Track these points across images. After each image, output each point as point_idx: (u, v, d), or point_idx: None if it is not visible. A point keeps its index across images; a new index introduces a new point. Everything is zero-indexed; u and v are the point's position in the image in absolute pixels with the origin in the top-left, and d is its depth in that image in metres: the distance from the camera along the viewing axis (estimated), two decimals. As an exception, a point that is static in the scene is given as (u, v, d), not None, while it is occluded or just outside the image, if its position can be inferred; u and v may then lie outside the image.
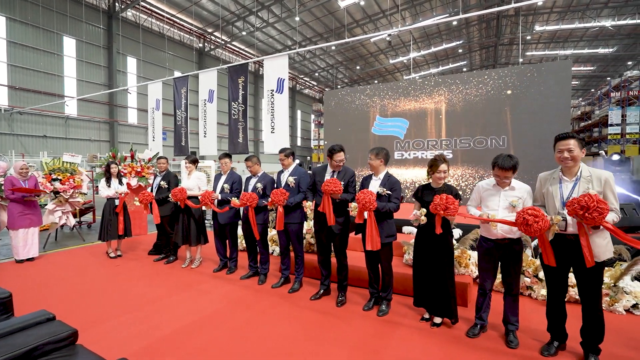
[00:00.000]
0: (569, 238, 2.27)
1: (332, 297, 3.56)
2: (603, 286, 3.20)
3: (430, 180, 2.92)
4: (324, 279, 3.61)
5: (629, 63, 25.36)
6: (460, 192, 6.55)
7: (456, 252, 3.62)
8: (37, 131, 16.47)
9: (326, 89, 34.08)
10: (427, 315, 3.01)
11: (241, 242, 5.20)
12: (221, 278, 4.23)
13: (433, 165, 2.81)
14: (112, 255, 5.16)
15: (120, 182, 5.23)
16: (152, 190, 5.08)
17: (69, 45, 17.50)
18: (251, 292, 3.78)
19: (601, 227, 2.07)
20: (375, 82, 33.51)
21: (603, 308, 3.17)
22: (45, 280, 4.19)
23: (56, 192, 5.79)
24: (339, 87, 34.35)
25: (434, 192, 2.77)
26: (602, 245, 2.19)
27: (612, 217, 2.12)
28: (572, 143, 2.26)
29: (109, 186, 5.10)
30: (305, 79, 34.32)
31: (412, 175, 7.05)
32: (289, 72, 31.77)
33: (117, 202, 5.09)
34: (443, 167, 2.77)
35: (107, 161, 5.36)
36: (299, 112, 35.40)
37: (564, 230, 2.26)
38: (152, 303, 3.45)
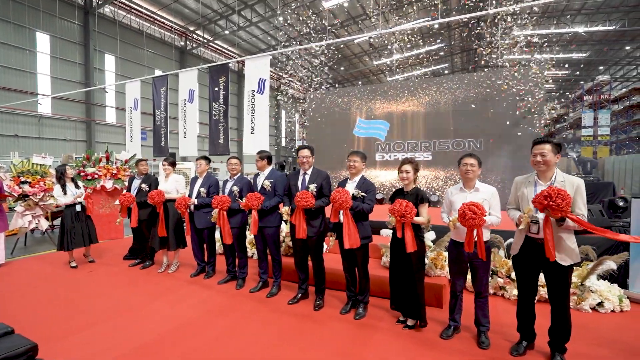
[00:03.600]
0: (539, 242, 2.34)
1: (310, 300, 3.55)
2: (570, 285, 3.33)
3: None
4: (301, 283, 3.60)
5: (601, 68, 26.50)
6: (440, 194, 6.68)
7: (432, 254, 3.68)
8: (7, 130, 15.77)
9: (311, 89, 34.07)
10: (402, 318, 3.05)
11: (219, 246, 5.12)
12: (199, 283, 4.15)
13: (399, 166, 2.93)
14: (74, 264, 4.80)
15: (77, 186, 4.87)
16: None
17: (42, 41, 16.81)
18: (229, 297, 3.72)
19: (569, 222, 2.15)
20: (359, 83, 33.73)
21: (570, 307, 3.31)
22: (8, 289, 3.98)
23: (25, 196, 5.55)
24: (323, 87, 34.37)
25: (404, 195, 2.81)
26: (570, 250, 2.28)
27: None
28: (547, 148, 2.34)
29: (65, 193, 4.71)
30: (289, 79, 34.17)
31: (392, 177, 7.14)
32: (274, 72, 31.59)
33: (78, 207, 4.76)
34: (405, 167, 2.86)
35: (65, 165, 5.00)
36: (283, 113, 35.22)
37: (537, 233, 2.34)
38: (125, 312, 3.34)
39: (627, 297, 3.36)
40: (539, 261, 2.36)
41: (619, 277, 3.56)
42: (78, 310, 3.38)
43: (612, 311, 3.25)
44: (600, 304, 3.26)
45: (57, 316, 3.26)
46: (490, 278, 3.69)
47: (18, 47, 15.79)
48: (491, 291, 3.66)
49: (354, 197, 3.05)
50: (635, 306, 3.37)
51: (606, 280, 3.44)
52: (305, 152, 3.38)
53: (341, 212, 2.99)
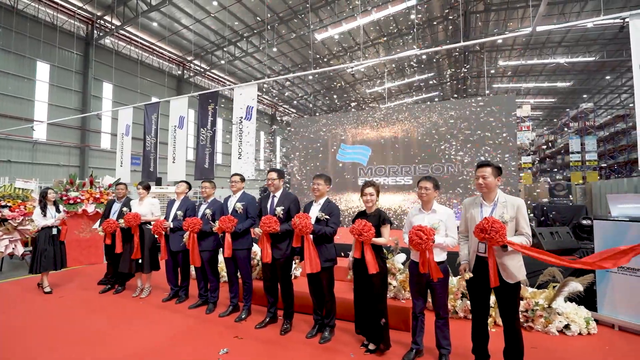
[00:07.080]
0: (487, 261, 2.39)
1: (278, 324, 3.52)
2: (537, 308, 3.33)
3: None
4: (270, 306, 3.58)
5: (585, 96, 27.44)
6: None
7: (401, 277, 3.68)
8: (0, 156, 15.88)
9: (305, 116, 34.83)
10: (366, 342, 3.01)
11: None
12: (169, 308, 4.10)
13: (362, 189, 2.98)
14: (48, 290, 4.73)
15: (58, 210, 4.91)
16: (107, 217, 4.92)
17: (42, 70, 17.31)
18: (197, 322, 3.67)
19: (509, 248, 2.25)
20: (353, 110, 34.59)
21: (538, 330, 3.30)
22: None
23: (4, 220, 5.55)
24: (317, 114, 35.17)
25: (367, 217, 2.87)
26: (514, 267, 2.34)
27: (521, 240, 2.29)
28: (488, 171, 2.46)
29: (45, 215, 4.75)
30: (285, 106, 35.03)
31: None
32: (269, 100, 32.41)
33: (54, 231, 4.78)
34: (368, 190, 2.92)
35: (48, 188, 5.05)
36: (278, 139, 35.77)
37: (484, 252, 2.40)
38: (85, 339, 3.27)
39: (595, 320, 3.35)
40: (488, 280, 2.40)
41: (588, 299, 3.56)
42: (37, 338, 3.30)
43: (579, 334, 3.23)
44: (567, 327, 3.25)
45: (14, 343, 3.18)
46: (460, 301, 3.69)
47: (18, 75, 16.23)
48: (461, 314, 3.64)
49: (317, 220, 3.11)
50: (602, 329, 3.35)
51: (573, 303, 3.44)
52: (272, 175, 3.47)
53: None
